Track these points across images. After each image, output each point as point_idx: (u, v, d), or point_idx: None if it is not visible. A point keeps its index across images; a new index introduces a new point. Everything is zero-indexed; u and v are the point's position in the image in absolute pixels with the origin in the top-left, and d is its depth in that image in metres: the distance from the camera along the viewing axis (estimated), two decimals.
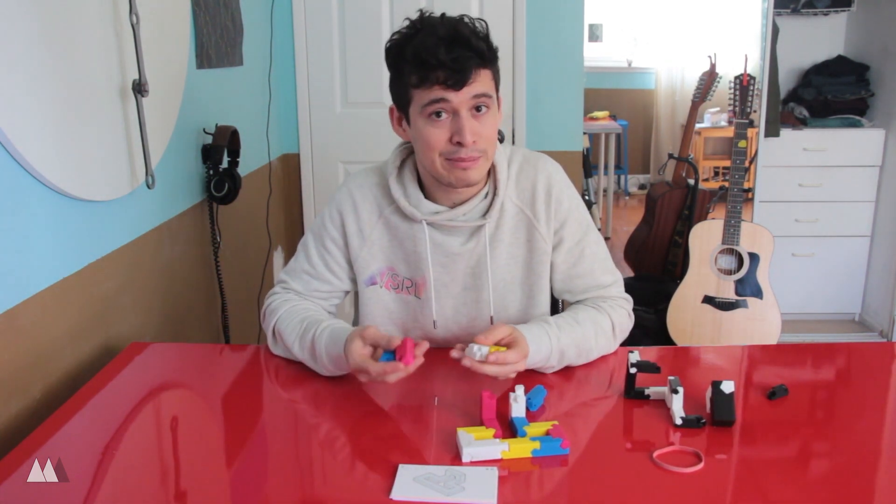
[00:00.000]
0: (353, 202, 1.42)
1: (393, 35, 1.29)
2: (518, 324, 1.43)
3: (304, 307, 1.42)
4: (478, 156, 1.29)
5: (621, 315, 1.42)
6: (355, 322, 1.53)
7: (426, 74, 1.23)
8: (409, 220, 1.39)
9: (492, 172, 1.38)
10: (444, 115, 1.26)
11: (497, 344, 1.22)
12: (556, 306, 1.58)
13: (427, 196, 1.38)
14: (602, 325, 1.38)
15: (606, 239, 5.03)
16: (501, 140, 1.52)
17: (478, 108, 1.27)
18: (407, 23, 1.28)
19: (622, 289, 1.46)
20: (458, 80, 1.23)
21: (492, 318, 1.41)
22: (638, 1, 6.11)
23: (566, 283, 1.44)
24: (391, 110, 1.36)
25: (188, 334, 2.07)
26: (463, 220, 1.37)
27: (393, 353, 1.18)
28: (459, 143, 1.26)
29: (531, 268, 1.42)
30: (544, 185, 1.40)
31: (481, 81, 1.25)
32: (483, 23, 1.29)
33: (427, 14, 1.27)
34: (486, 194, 1.38)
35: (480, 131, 1.28)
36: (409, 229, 1.40)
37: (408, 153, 1.41)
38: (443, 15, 1.27)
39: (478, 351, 1.17)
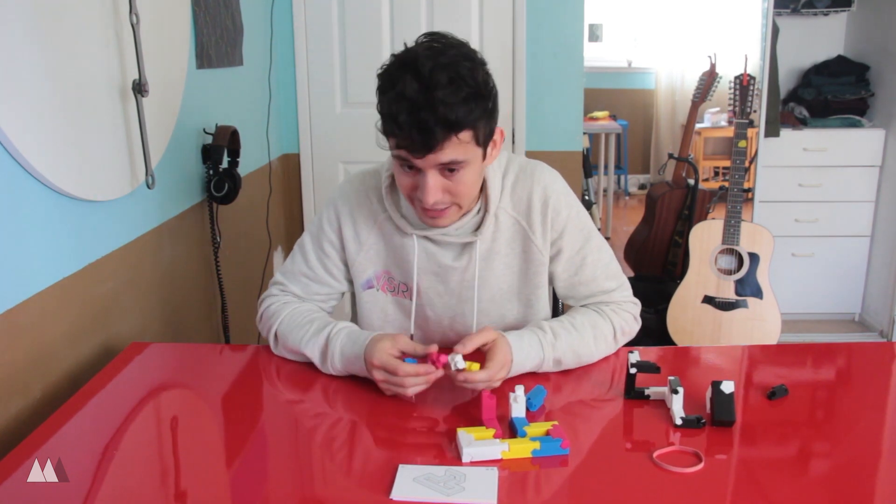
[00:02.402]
0: (350, 207, 1.41)
1: (387, 62, 1.19)
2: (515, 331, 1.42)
3: (308, 309, 1.42)
4: (444, 208, 1.25)
5: (625, 318, 1.40)
6: (357, 324, 1.53)
7: (392, 133, 1.17)
8: (401, 231, 1.38)
9: (483, 188, 1.34)
10: (411, 168, 1.21)
11: (480, 348, 1.22)
12: (556, 310, 1.58)
13: None
14: (602, 329, 1.36)
15: (606, 239, 5.02)
16: None
17: (449, 169, 1.20)
18: (399, 51, 1.18)
19: (629, 292, 1.44)
20: (419, 149, 1.15)
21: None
22: (638, 1, 6.11)
23: (569, 290, 1.43)
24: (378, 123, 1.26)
25: (188, 334, 2.07)
26: (455, 235, 1.36)
27: (416, 361, 1.20)
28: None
29: (527, 278, 1.41)
30: (540, 195, 1.37)
31: (450, 150, 1.16)
32: (478, 72, 1.16)
33: (417, 48, 1.16)
34: (479, 210, 1.36)
35: (450, 188, 1.22)
36: (401, 240, 1.39)
37: None
38: (429, 59, 1.13)
39: (454, 365, 1.17)
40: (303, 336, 1.35)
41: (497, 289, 1.41)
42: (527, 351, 1.27)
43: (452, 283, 1.40)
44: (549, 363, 1.30)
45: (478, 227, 1.36)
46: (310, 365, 1.36)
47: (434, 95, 1.11)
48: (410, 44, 1.19)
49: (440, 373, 1.19)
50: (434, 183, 1.20)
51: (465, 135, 1.17)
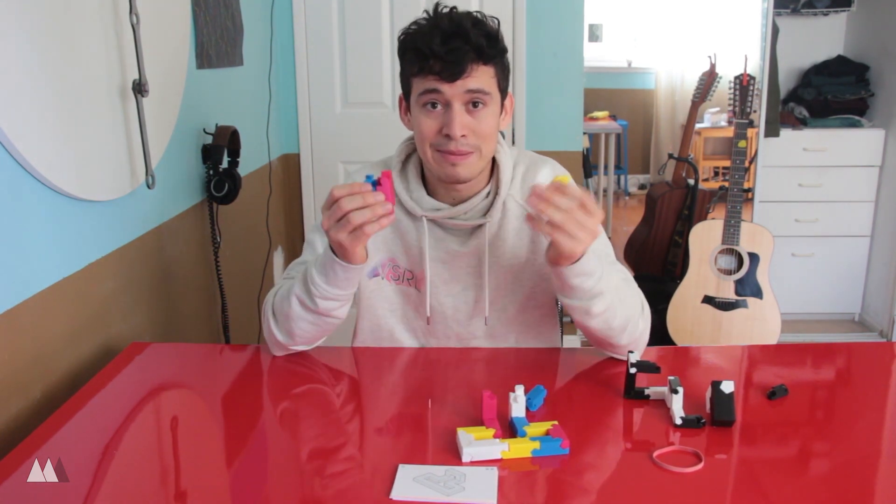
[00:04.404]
0: None
1: (408, 25, 1.30)
2: (517, 324, 1.42)
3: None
4: (468, 151, 1.28)
5: (641, 303, 1.35)
6: (357, 317, 1.52)
7: (422, 64, 1.25)
8: (411, 215, 1.39)
9: (495, 171, 1.38)
10: (438, 107, 1.27)
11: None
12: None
13: (430, 193, 1.38)
14: (627, 293, 1.31)
15: None
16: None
17: (474, 104, 1.27)
18: (425, 16, 1.29)
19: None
20: (451, 73, 1.23)
21: (486, 318, 1.41)
22: (638, 1, 6.11)
23: None
24: (399, 100, 1.37)
25: (188, 334, 2.07)
26: (464, 218, 1.37)
27: (375, 181, 1.13)
28: (448, 136, 1.26)
29: (534, 268, 1.42)
30: (550, 180, 1.39)
31: (477, 77, 1.25)
32: (495, 21, 1.30)
33: (442, 8, 1.28)
34: (488, 193, 1.38)
35: (474, 127, 1.27)
36: (410, 224, 1.40)
37: (413, 148, 1.41)
38: (453, 9, 1.27)
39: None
40: (290, 286, 1.30)
41: (502, 278, 1.41)
42: (591, 257, 1.21)
43: (460, 270, 1.41)
44: (603, 283, 1.23)
45: (487, 211, 1.37)
46: (309, 365, 1.36)
47: (464, 26, 1.24)
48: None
49: (381, 196, 1.12)
50: (460, 116, 1.26)
51: (490, 69, 1.27)
